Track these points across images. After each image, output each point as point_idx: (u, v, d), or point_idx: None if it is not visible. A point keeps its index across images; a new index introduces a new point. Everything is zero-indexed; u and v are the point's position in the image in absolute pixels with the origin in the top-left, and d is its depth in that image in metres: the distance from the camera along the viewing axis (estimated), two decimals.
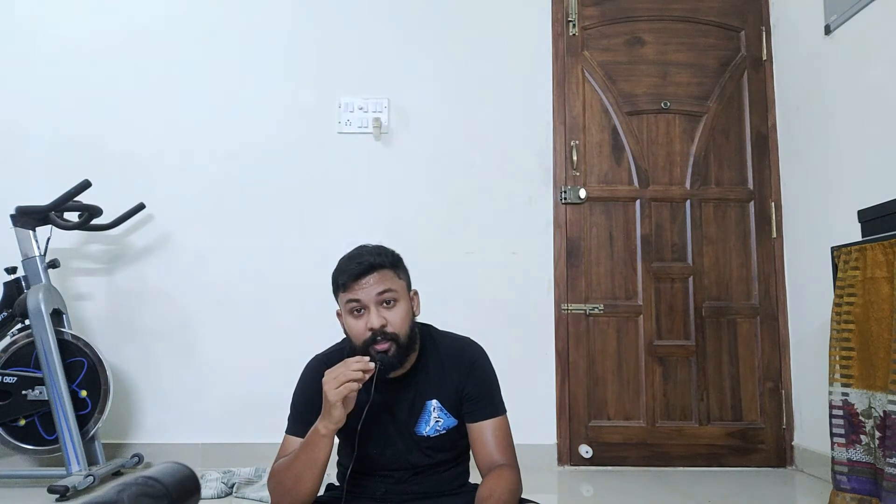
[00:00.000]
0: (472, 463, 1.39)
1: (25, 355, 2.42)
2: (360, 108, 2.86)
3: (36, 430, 2.41)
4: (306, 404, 1.32)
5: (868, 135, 2.29)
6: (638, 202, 2.87)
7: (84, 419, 2.40)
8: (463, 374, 1.34)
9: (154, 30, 2.89)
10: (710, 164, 2.89)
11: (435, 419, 1.32)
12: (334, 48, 2.90)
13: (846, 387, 1.76)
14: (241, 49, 2.90)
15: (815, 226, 2.62)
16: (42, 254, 2.49)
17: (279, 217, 2.82)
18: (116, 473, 2.49)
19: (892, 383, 1.55)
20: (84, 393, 2.43)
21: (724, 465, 2.72)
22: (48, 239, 2.55)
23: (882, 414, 1.63)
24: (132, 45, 2.88)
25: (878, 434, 1.66)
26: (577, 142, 2.88)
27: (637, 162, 2.89)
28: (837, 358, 1.79)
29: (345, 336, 1.31)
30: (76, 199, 2.46)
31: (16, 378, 2.38)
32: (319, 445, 1.21)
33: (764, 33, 2.94)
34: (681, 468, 2.71)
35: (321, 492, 1.31)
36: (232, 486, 2.29)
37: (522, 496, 1.29)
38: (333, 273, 1.29)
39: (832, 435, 1.78)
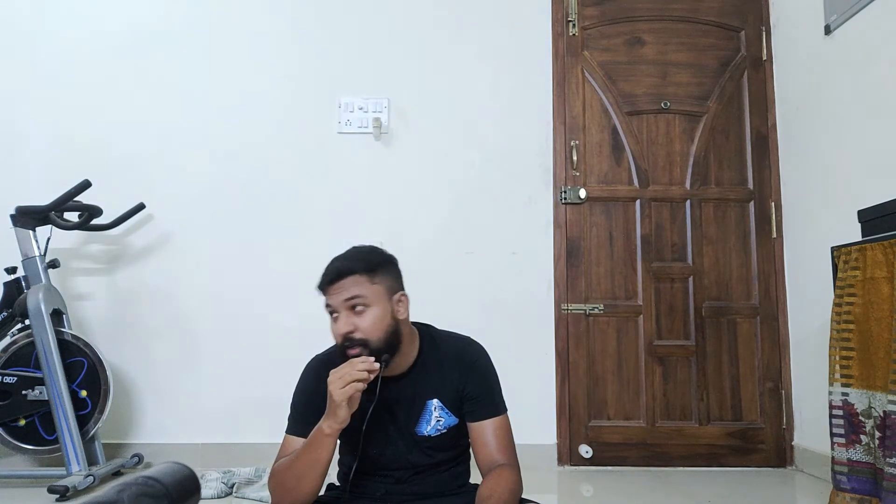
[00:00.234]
0: (472, 462, 1.40)
1: (25, 355, 2.42)
2: (360, 108, 2.86)
3: (36, 430, 2.41)
4: (306, 404, 1.32)
5: (868, 135, 2.29)
6: (638, 202, 2.87)
7: (84, 419, 2.40)
8: (463, 374, 1.34)
9: (154, 29, 2.89)
10: (710, 164, 2.89)
11: (436, 419, 1.32)
12: (334, 48, 2.90)
13: (846, 387, 1.75)
14: (241, 49, 2.90)
15: (815, 226, 2.62)
16: (42, 254, 2.49)
17: (279, 217, 2.82)
18: (116, 473, 2.49)
19: (892, 383, 1.55)
20: (84, 393, 2.43)
21: (724, 465, 2.72)
22: (48, 239, 2.55)
23: (882, 414, 1.63)
24: (132, 45, 2.88)
25: (878, 434, 1.66)
26: (577, 142, 2.88)
27: (637, 162, 2.89)
28: (837, 358, 1.79)
29: None
30: (76, 199, 2.46)
31: (16, 378, 2.38)
32: (323, 445, 1.21)
33: (764, 33, 2.94)
34: (681, 468, 2.71)
35: (321, 491, 1.31)
36: (232, 486, 2.29)
37: (523, 496, 1.30)
38: None
39: (832, 435, 1.78)
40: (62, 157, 2.79)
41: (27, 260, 2.47)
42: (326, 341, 1.45)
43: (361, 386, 1.18)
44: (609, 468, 2.71)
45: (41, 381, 2.34)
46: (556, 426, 2.73)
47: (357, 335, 1.22)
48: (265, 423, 2.34)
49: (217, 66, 2.88)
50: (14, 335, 2.48)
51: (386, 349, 1.24)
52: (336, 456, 1.27)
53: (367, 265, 1.25)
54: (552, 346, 2.78)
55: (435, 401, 1.33)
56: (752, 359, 2.79)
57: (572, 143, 2.87)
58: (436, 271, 2.77)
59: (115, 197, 2.67)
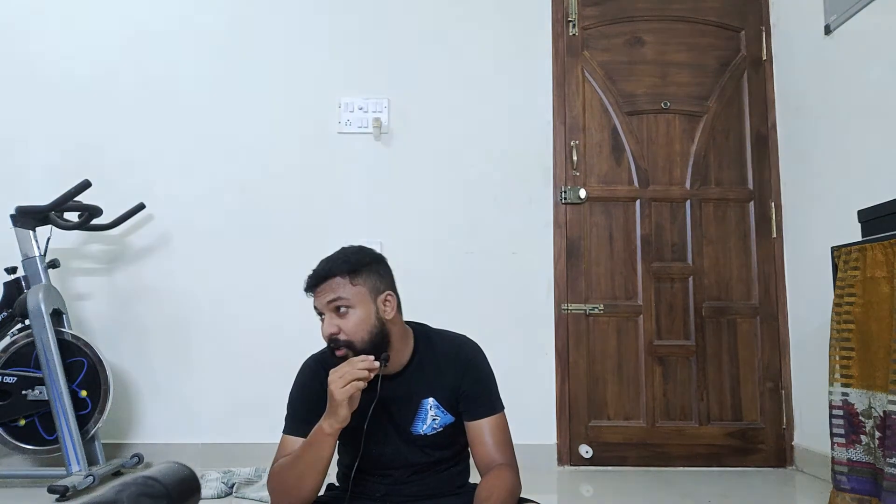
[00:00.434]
0: (471, 462, 1.40)
1: (25, 355, 2.42)
2: (360, 108, 2.86)
3: (36, 430, 2.41)
4: (304, 404, 1.32)
5: (868, 135, 2.29)
6: (638, 202, 2.87)
7: (84, 419, 2.40)
8: (459, 372, 1.34)
9: (154, 29, 2.89)
10: (710, 164, 2.89)
11: (432, 417, 1.32)
12: (334, 48, 2.90)
13: (846, 387, 1.75)
14: (241, 49, 2.89)
15: (815, 226, 2.62)
16: (42, 254, 2.49)
17: (279, 217, 2.82)
18: (116, 473, 2.49)
19: (892, 383, 1.55)
20: (84, 393, 2.43)
21: (724, 465, 2.72)
22: (48, 239, 2.55)
23: (882, 414, 1.63)
24: (132, 45, 2.88)
25: (878, 434, 1.66)
26: (577, 142, 2.88)
27: (637, 162, 2.89)
28: (837, 358, 1.79)
29: None
30: (76, 199, 2.46)
31: (16, 378, 2.38)
32: (324, 444, 1.21)
33: (764, 33, 2.94)
34: (681, 468, 2.71)
35: (321, 492, 1.31)
36: (232, 486, 2.29)
37: (522, 496, 1.30)
38: None
39: (832, 435, 1.78)
40: (62, 157, 2.79)
41: (27, 260, 2.47)
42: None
43: (362, 384, 1.19)
44: (609, 468, 2.71)
45: (41, 381, 2.34)
46: (556, 426, 2.73)
47: (342, 337, 1.23)
48: (265, 423, 2.33)
49: (217, 66, 2.88)
50: (14, 335, 2.48)
51: (371, 349, 1.23)
52: (335, 456, 1.27)
53: (350, 267, 1.26)
54: (552, 346, 2.78)
55: (430, 399, 1.33)
56: (752, 359, 2.79)
57: (572, 143, 2.87)
58: (436, 271, 2.77)
59: (115, 197, 2.67)
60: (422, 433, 1.32)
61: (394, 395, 1.31)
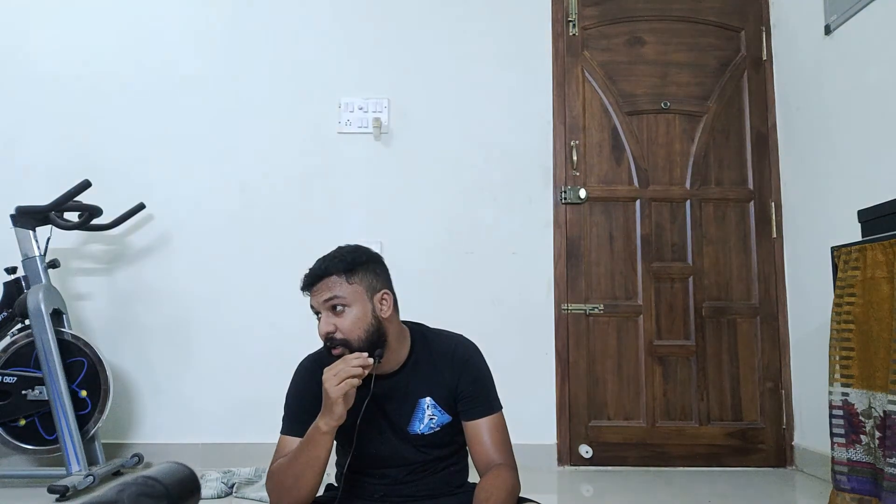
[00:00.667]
0: (470, 462, 1.39)
1: (25, 355, 2.42)
2: (360, 108, 2.86)
3: (36, 430, 2.41)
4: (300, 403, 1.32)
5: (868, 135, 2.29)
6: (638, 202, 2.87)
7: (84, 419, 2.40)
8: (456, 372, 1.33)
9: (154, 29, 2.89)
10: (710, 164, 2.89)
11: (429, 417, 1.32)
12: (334, 48, 2.90)
13: (846, 387, 1.75)
14: (241, 49, 2.90)
15: (815, 226, 2.62)
16: (42, 254, 2.49)
17: (279, 217, 2.82)
18: (116, 473, 2.49)
19: (892, 383, 1.55)
20: (84, 393, 2.43)
21: (724, 465, 2.72)
22: (48, 239, 2.55)
23: (882, 414, 1.63)
24: (132, 45, 2.88)
25: (878, 434, 1.66)
26: (577, 142, 2.88)
27: (637, 162, 2.89)
28: (837, 358, 1.79)
29: None
30: (76, 199, 2.46)
31: (16, 378, 2.38)
32: (320, 443, 1.21)
33: (764, 33, 2.94)
34: (681, 468, 2.71)
35: (320, 492, 1.31)
36: (232, 486, 2.29)
37: (522, 495, 1.29)
38: None
39: (832, 435, 1.78)
40: (62, 157, 2.79)
41: (27, 260, 2.47)
42: None
43: (356, 382, 1.18)
44: (609, 468, 2.71)
45: (41, 381, 2.34)
46: (556, 426, 2.73)
47: (338, 335, 1.23)
48: (265, 424, 2.33)
49: (217, 66, 2.88)
50: (14, 335, 2.48)
51: (368, 348, 1.24)
52: (333, 456, 1.27)
53: (345, 266, 1.26)
54: (552, 346, 2.78)
55: (427, 399, 1.33)
56: (752, 359, 2.79)
57: (572, 143, 2.87)
58: (436, 271, 2.77)
59: (115, 197, 2.67)
60: (419, 433, 1.32)
61: (391, 395, 1.31)
